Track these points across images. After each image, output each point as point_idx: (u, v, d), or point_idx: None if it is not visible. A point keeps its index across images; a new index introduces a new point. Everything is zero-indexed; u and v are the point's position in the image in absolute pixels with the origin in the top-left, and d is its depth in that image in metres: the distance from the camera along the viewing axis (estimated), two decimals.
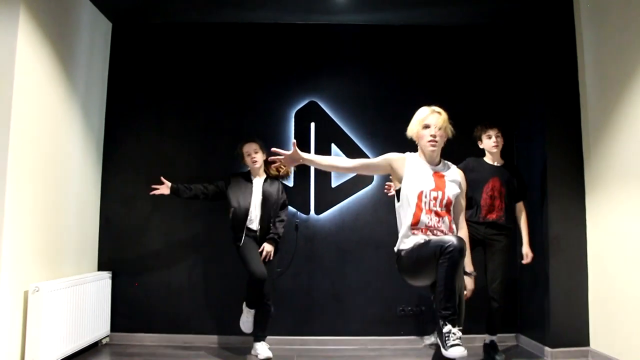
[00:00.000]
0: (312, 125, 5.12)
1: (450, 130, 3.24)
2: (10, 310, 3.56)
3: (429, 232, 3.01)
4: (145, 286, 4.92)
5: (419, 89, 5.19)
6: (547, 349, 4.38)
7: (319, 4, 4.86)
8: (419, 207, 3.02)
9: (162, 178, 4.46)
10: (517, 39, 5.19)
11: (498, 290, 4.21)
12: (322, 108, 5.15)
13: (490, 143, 4.34)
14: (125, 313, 4.89)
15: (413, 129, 3.24)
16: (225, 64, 5.22)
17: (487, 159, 4.42)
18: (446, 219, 3.05)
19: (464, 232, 3.20)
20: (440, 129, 3.17)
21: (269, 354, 4.30)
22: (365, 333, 4.79)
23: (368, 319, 4.81)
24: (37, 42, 3.89)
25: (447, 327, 2.69)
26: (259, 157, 4.42)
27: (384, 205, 4.89)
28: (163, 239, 4.98)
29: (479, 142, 4.43)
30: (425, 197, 3.03)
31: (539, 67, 4.73)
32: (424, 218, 3.01)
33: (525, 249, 4.33)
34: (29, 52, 3.78)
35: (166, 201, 4.81)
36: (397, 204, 3.17)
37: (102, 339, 4.73)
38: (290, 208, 4.92)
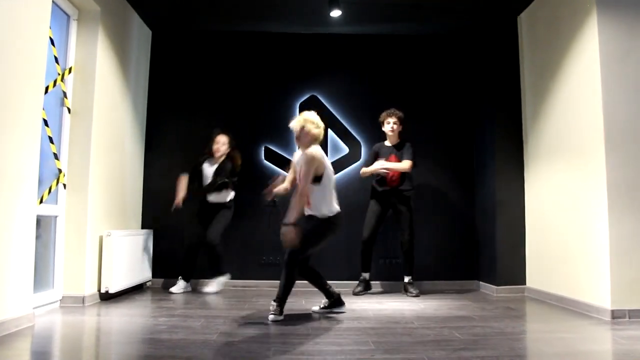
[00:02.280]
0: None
1: (308, 128, 4.34)
2: (92, 248, 4.81)
3: None
4: (179, 242, 6.05)
5: (399, 86, 6.43)
6: (493, 287, 5.65)
7: (318, 17, 5.99)
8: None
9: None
10: (474, 47, 6.45)
11: (408, 240, 5.56)
12: (321, 101, 6.38)
13: (387, 128, 5.64)
14: (163, 263, 6.07)
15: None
16: (243, 65, 6.43)
17: (387, 141, 5.71)
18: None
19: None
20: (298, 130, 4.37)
21: (215, 289, 5.61)
22: (352, 278, 5.89)
23: (356, 268, 5.89)
24: (108, 50, 5.11)
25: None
26: (224, 149, 5.71)
27: (369, 178, 6.12)
28: (192, 205, 5.98)
29: (382, 126, 5.69)
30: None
31: (490, 71, 5.99)
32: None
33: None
34: (103, 57, 5.00)
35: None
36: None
37: (146, 282, 5.94)
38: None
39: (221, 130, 5.79)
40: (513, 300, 5.24)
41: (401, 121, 5.63)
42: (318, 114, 6.12)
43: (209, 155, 5.77)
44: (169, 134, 6.32)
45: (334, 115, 6.37)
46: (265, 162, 6.27)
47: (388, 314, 4.42)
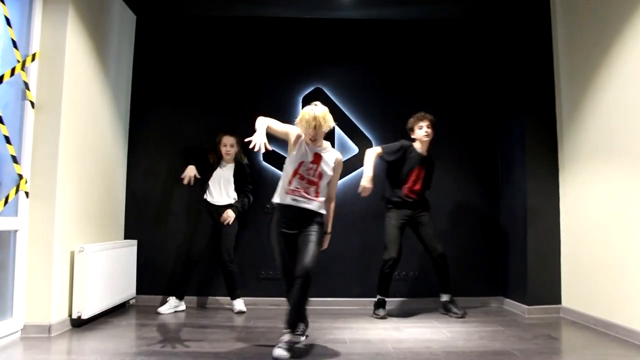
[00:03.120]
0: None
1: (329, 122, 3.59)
2: (61, 267, 4.09)
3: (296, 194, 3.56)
4: (166, 253, 5.43)
5: (412, 77, 5.73)
6: (524, 306, 4.96)
7: (324, 0, 5.35)
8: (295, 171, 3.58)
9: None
10: (499, 33, 5.73)
11: (441, 253, 4.85)
12: (326, 94, 5.65)
13: (421, 133, 4.89)
14: (149, 278, 5.39)
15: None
16: (240, 54, 5.71)
17: (417, 147, 4.95)
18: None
19: (332, 205, 3.84)
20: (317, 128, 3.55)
21: (243, 308, 5.06)
22: (365, 295, 5.28)
23: (367, 283, 5.28)
24: (80, 34, 4.40)
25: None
26: (233, 152, 5.17)
27: (382, 181, 5.46)
28: (182, 211, 5.50)
29: (411, 133, 4.96)
30: (304, 166, 3.57)
31: (520, 61, 5.26)
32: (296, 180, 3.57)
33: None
34: (75, 43, 4.29)
35: None
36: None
37: (129, 299, 5.24)
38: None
39: (226, 131, 5.19)
40: (549, 324, 4.55)
41: (434, 125, 4.94)
42: None
43: (215, 160, 5.22)
44: (155, 131, 5.61)
45: (342, 111, 5.65)
46: (264, 163, 5.57)
47: (411, 348, 3.71)
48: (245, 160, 5.32)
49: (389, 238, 4.84)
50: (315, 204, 3.59)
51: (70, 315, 4.20)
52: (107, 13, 4.98)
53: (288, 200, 3.56)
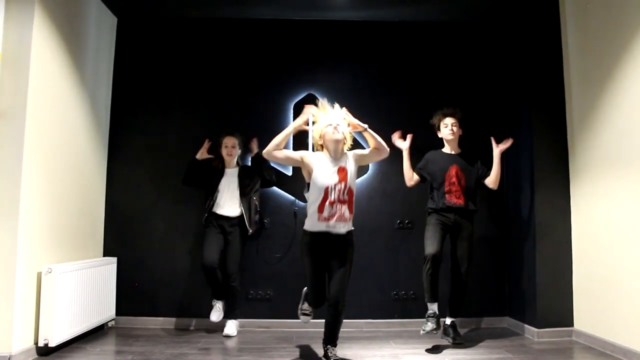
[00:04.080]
0: (311, 116, 5.31)
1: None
2: (24, 290, 3.74)
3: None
4: (148, 272, 5.09)
5: (410, 82, 5.42)
6: (533, 329, 4.60)
7: (317, 1, 5.05)
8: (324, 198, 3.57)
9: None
10: (504, 35, 5.41)
11: (466, 274, 4.42)
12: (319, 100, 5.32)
13: (446, 132, 4.53)
14: (130, 297, 5.05)
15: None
16: (227, 58, 5.40)
17: (445, 149, 4.61)
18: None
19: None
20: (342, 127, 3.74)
21: (232, 332, 4.70)
22: (361, 316, 4.97)
23: (363, 303, 4.98)
24: (50, 35, 4.07)
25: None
26: (234, 152, 4.86)
27: (379, 194, 5.14)
28: (166, 227, 5.16)
29: (438, 132, 4.62)
30: (331, 190, 3.57)
31: (526, 63, 4.94)
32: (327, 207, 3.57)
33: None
34: (42, 45, 3.96)
35: (169, 190, 5.05)
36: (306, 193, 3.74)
37: (108, 322, 4.88)
38: (288, 196, 5.19)
39: (227, 132, 4.92)
40: (561, 349, 4.19)
41: (460, 122, 4.57)
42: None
43: (218, 164, 4.92)
44: (137, 140, 5.27)
45: None
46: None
47: None
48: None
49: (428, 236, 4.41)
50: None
51: (36, 343, 3.84)
52: (83, 14, 4.66)
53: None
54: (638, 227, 3.77)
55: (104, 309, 4.77)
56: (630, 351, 3.77)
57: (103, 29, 5.10)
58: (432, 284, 4.25)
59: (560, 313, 4.61)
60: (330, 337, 3.66)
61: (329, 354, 3.60)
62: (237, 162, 4.96)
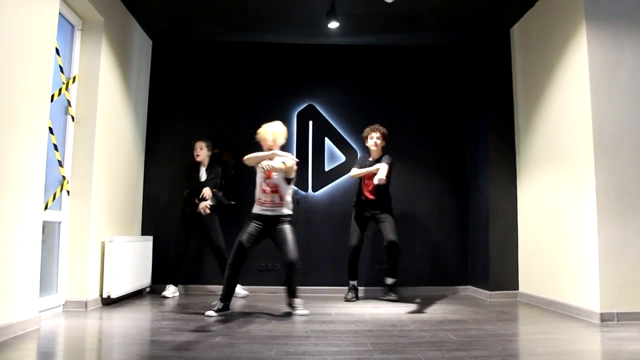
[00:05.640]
0: (310, 123, 6.49)
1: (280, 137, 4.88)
2: (94, 254, 4.91)
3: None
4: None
5: (396, 95, 6.59)
6: (486, 292, 5.77)
7: (316, 29, 6.14)
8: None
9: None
10: (468, 58, 6.61)
11: (394, 239, 5.43)
12: (318, 110, 6.52)
13: (370, 143, 5.65)
14: (162, 269, 6.11)
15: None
16: (241, 75, 6.55)
17: (371, 156, 5.70)
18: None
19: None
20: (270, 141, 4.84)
21: (245, 292, 5.89)
22: (340, 284, 5.93)
23: (342, 274, 5.87)
24: (111, 59, 5.24)
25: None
26: (202, 153, 5.85)
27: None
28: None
29: (365, 141, 5.71)
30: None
31: (484, 81, 6.13)
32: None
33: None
34: (106, 67, 5.13)
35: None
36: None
37: (146, 287, 6.02)
38: (292, 186, 6.26)
39: (198, 138, 5.92)
40: (506, 304, 5.36)
41: (385, 137, 5.64)
42: (315, 122, 6.41)
43: (195, 163, 5.92)
44: (168, 141, 6.42)
45: (331, 124, 6.51)
46: None
47: (384, 318, 4.53)
48: (233, 162, 6.07)
49: (351, 230, 5.65)
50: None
51: (101, 295, 5.00)
52: (130, 39, 5.81)
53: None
54: (564, 208, 4.95)
55: (144, 277, 5.89)
56: (553, 301, 4.97)
57: (142, 51, 6.25)
58: (354, 267, 5.67)
59: (508, 279, 5.78)
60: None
61: (292, 305, 4.70)
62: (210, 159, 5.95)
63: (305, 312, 4.62)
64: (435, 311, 4.89)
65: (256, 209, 4.71)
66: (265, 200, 4.67)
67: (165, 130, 6.45)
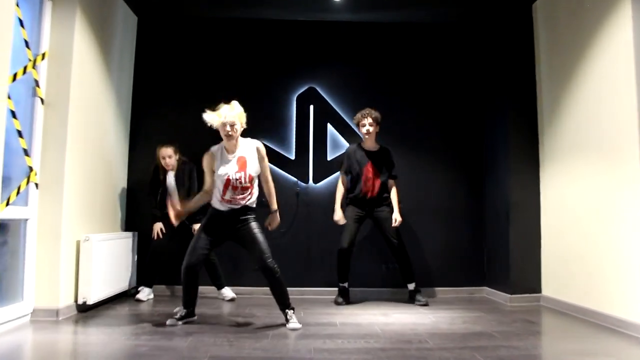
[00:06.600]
0: (311, 107, 5.89)
1: (243, 118, 4.03)
2: (67, 255, 4.33)
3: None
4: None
5: (402, 77, 6.00)
6: (506, 295, 5.23)
7: (318, 3, 5.58)
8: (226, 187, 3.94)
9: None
10: (483, 36, 6.00)
11: (401, 245, 5.09)
12: (320, 93, 5.91)
13: (363, 130, 5.16)
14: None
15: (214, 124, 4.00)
16: (235, 55, 5.95)
17: (364, 145, 5.24)
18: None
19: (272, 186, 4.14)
20: (233, 124, 3.94)
21: (233, 295, 5.34)
22: (354, 285, 5.45)
23: (357, 273, 5.50)
24: (87, 35, 4.64)
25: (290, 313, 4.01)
26: (171, 161, 5.28)
27: None
28: None
29: (357, 128, 5.26)
30: (231, 179, 3.92)
31: (502, 61, 5.53)
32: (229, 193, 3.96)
33: (395, 215, 5.10)
34: (81, 43, 4.52)
35: None
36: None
37: (130, 289, 5.43)
38: (291, 177, 5.77)
39: (162, 143, 5.32)
40: (529, 311, 4.82)
41: (378, 122, 5.17)
42: (317, 106, 5.83)
43: (161, 171, 5.34)
44: (155, 127, 5.81)
45: (334, 109, 5.92)
46: None
47: (397, 330, 3.96)
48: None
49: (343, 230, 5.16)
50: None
51: (76, 301, 4.43)
52: (111, 14, 5.21)
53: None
54: (593, 204, 4.40)
55: (127, 278, 5.34)
56: (585, 309, 4.41)
57: (126, 27, 5.65)
58: (345, 269, 5.20)
59: (530, 281, 5.23)
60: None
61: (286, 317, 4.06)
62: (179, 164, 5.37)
63: (298, 326, 3.97)
64: (454, 321, 4.33)
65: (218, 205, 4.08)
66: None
67: (152, 116, 5.86)
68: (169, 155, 5.26)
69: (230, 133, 3.92)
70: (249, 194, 4.00)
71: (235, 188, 3.94)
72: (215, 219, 4.03)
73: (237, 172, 3.93)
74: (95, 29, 4.77)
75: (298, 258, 5.72)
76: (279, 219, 4.21)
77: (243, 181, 3.94)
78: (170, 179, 5.30)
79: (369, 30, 6.06)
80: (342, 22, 6.02)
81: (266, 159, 4.09)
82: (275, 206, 4.17)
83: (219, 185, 3.97)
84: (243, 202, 3.99)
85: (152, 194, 5.33)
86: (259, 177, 4.11)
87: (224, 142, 4.02)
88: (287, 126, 5.86)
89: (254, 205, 4.06)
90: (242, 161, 3.97)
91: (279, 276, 4.01)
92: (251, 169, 3.97)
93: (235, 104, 4.02)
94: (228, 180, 3.92)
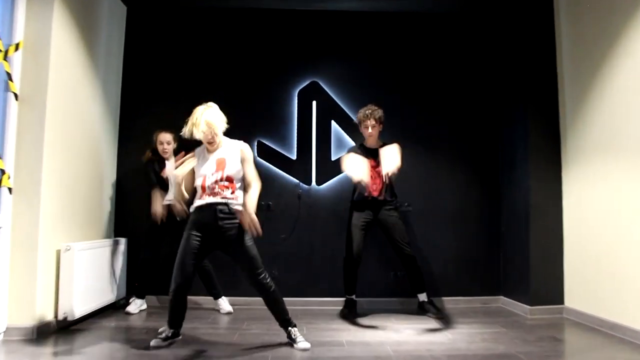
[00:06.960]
0: (314, 103, 5.48)
1: (220, 123, 3.71)
2: (45, 266, 3.93)
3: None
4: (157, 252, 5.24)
5: (410, 71, 5.58)
6: (526, 306, 4.82)
7: None
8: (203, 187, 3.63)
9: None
10: (500, 27, 5.57)
11: (410, 252, 4.73)
12: (323, 88, 5.49)
13: (366, 132, 4.80)
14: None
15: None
16: (233, 47, 5.54)
17: (366, 143, 4.88)
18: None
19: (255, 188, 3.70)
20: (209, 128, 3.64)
21: (230, 308, 4.92)
22: (361, 295, 5.08)
23: (364, 282, 5.09)
24: (67, 24, 4.23)
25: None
26: (170, 148, 4.93)
27: None
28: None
29: (359, 127, 4.89)
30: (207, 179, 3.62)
31: (521, 55, 5.11)
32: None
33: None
34: (61, 33, 4.12)
35: None
36: None
37: (120, 300, 5.05)
38: (292, 179, 5.36)
39: (161, 129, 4.95)
40: (552, 325, 4.41)
41: (381, 121, 4.81)
42: (320, 102, 5.43)
43: (157, 159, 4.96)
44: (147, 125, 5.32)
45: (338, 105, 5.49)
46: (259, 159, 5.36)
47: (411, 351, 3.55)
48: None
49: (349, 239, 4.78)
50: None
51: (56, 317, 4.04)
52: (96, 3, 4.80)
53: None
54: (623, 209, 3.99)
55: (116, 288, 4.95)
56: (616, 325, 4.00)
57: (114, 18, 5.24)
58: (353, 280, 4.84)
59: (551, 291, 4.82)
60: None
61: (290, 336, 3.72)
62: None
63: (307, 345, 3.60)
64: (473, 338, 3.92)
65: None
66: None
67: (143, 113, 5.44)
68: (167, 142, 4.91)
69: (211, 141, 3.68)
70: (231, 192, 3.62)
71: (212, 188, 3.61)
72: (197, 225, 3.62)
73: (213, 172, 3.63)
74: (76, 17, 4.36)
75: (300, 266, 5.32)
76: (249, 218, 3.57)
77: (219, 180, 3.61)
78: (171, 167, 4.86)
79: (375, 20, 5.63)
80: (347, 12, 5.60)
81: (251, 162, 3.74)
82: (249, 204, 3.61)
83: (198, 185, 3.67)
84: (223, 201, 3.60)
85: (158, 184, 4.90)
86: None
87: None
88: (288, 124, 5.44)
89: (240, 208, 3.63)
90: (220, 161, 3.66)
91: (273, 290, 3.68)
92: (230, 169, 3.64)
93: (210, 110, 3.70)
94: (204, 179, 3.63)
